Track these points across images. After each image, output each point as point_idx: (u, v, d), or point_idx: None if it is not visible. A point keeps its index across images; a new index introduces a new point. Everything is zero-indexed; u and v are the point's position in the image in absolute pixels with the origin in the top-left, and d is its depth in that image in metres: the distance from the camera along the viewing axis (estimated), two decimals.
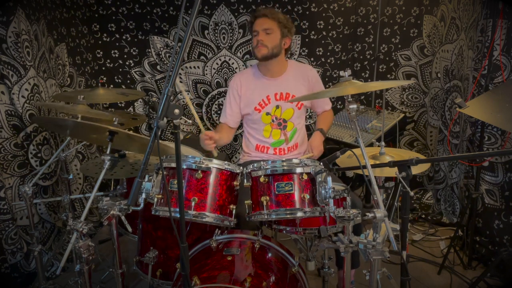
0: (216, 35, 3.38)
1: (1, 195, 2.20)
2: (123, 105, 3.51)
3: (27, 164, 2.38)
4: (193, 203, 1.52)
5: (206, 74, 3.49)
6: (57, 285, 2.38)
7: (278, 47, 2.16)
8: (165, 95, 1.08)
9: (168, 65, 3.40)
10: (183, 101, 3.45)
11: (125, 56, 3.41)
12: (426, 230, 3.03)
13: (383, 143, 1.86)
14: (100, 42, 3.35)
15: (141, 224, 1.97)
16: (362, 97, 3.63)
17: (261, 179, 1.56)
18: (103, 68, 3.43)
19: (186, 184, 1.55)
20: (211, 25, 3.34)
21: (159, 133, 1.15)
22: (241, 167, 1.65)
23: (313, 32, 3.42)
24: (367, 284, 1.40)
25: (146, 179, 1.56)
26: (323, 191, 1.48)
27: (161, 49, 3.38)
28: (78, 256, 1.54)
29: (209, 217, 1.54)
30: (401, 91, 3.49)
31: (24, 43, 2.29)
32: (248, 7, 3.31)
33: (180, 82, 3.38)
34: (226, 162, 1.61)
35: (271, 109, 2.25)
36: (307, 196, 1.51)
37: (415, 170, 1.53)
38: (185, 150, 2.22)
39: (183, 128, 3.53)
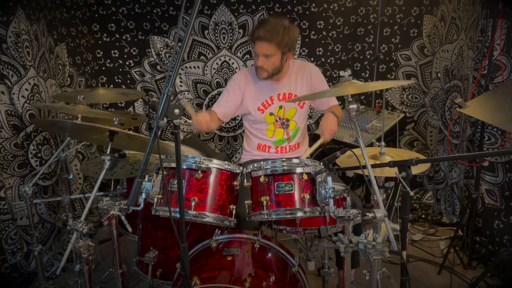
0: (216, 35, 3.38)
1: (1, 195, 2.20)
2: (123, 105, 3.51)
3: (27, 164, 2.38)
4: (193, 203, 1.52)
5: (206, 74, 3.48)
6: (57, 285, 2.38)
7: (279, 67, 2.12)
8: (165, 95, 1.08)
9: (168, 65, 3.40)
10: (185, 100, 3.43)
11: (125, 56, 3.41)
12: (426, 230, 3.03)
13: (383, 143, 1.86)
14: (100, 42, 3.35)
15: (141, 224, 1.97)
16: (362, 97, 3.63)
17: (261, 179, 1.56)
18: (103, 68, 3.43)
19: (186, 184, 1.55)
20: (211, 25, 3.34)
21: (159, 133, 1.15)
22: (241, 167, 1.65)
23: (313, 32, 3.42)
24: (367, 284, 1.40)
25: (146, 179, 1.56)
26: (323, 191, 1.48)
27: (161, 49, 3.38)
28: (78, 256, 1.54)
29: (209, 217, 1.54)
30: (401, 91, 3.49)
31: (24, 43, 2.29)
32: (248, 7, 3.31)
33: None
34: (226, 162, 1.61)
35: (275, 109, 2.26)
36: (307, 196, 1.51)
37: (415, 170, 1.53)
38: (185, 150, 2.22)
39: (183, 128, 3.53)
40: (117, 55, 3.40)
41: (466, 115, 2.60)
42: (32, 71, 2.34)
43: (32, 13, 2.44)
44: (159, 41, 3.37)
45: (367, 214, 1.30)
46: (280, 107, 2.25)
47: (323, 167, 1.57)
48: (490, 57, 2.34)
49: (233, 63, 3.46)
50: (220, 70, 3.48)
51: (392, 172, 1.47)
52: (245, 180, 1.62)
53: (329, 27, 3.41)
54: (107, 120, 2.21)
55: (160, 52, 3.38)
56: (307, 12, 3.36)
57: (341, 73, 1.51)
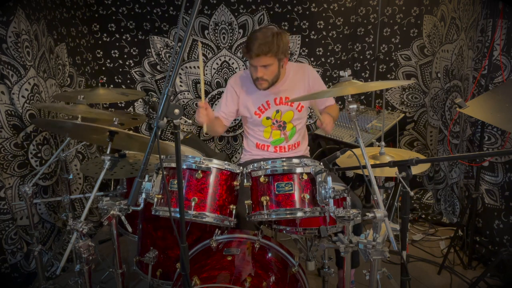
0: (216, 35, 3.38)
1: (1, 195, 2.20)
2: (123, 105, 3.51)
3: (27, 164, 2.38)
4: (193, 203, 1.52)
5: (206, 74, 3.48)
6: (57, 285, 2.38)
7: (277, 74, 2.14)
8: (165, 95, 1.08)
9: (168, 65, 3.40)
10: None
11: (125, 56, 3.41)
12: (426, 230, 3.03)
13: (383, 143, 1.86)
14: (100, 42, 3.35)
15: (141, 224, 1.97)
16: (362, 97, 3.63)
17: (261, 179, 1.56)
18: (103, 68, 3.43)
19: (186, 184, 1.55)
20: (211, 25, 3.34)
21: (159, 133, 1.15)
22: (241, 167, 1.65)
23: (313, 32, 3.42)
24: (367, 284, 1.40)
25: (146, 179, 1.56)
26: (323, 191, 1.48)
27: (161, 49, 3.38)
28: (78, 256, 1.54)
29: (209, 217, 1.54)
30: (401, 91, 3.49)
31: (24, 43, 2.29)
32: (248, 7, 3.31)
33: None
34: (226, 162, 1.61)
35: (271, 113, 2.27)
36: (307, 196, 1.51)
37: (415, 170, 1.53)
38: (185, 150, 2.22)
39: (183, 128, 3.53)
40: (117, 55, 3.40)
41: (466, 115, 2.60)
42: (32, 71, 2.34)
43: (32, 13, 2.44)
44: (159, 41, 3.37)
45: (367, 214, 1.30)
46: (277, 111, 2.26)
47: (323, 167, 1.57)
48: (490, 57, 2.34)
49: (233, 63, 3.46)
50: (220, 70, 3.47)
51: (392, 172, 1.47)
52: (245, 180, 1.62)
53: (329, 27, 3.41)
54: (107, 120, 2.21)
55: (160, 52, 3.38)
56: (307, 12, 3.36)
57: (341, 73, 1.52)
